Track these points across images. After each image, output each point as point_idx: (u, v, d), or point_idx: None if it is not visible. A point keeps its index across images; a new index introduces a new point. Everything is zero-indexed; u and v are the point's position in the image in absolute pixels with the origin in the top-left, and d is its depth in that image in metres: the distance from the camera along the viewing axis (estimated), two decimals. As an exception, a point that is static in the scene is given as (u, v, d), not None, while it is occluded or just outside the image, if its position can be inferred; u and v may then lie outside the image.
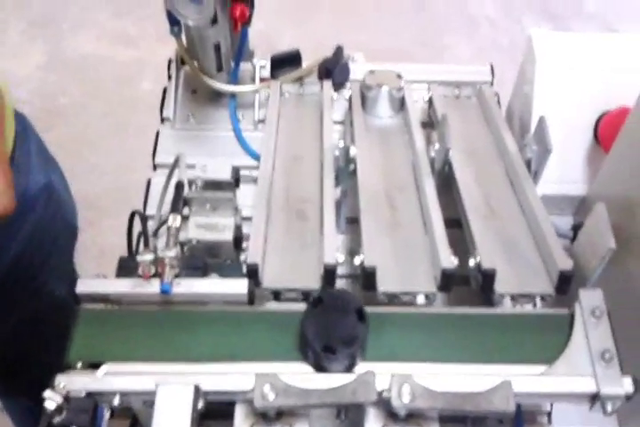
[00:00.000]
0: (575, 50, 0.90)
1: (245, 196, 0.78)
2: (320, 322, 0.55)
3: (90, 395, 0.54)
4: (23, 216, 0.81)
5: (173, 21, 0.83)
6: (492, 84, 0.95)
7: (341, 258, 0.63)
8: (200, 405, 0.53)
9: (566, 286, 0.61)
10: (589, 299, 0.57)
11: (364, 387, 0.52)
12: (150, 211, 0.82)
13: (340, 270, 0.65)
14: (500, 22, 2.43)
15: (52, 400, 0.52)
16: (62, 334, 0.58)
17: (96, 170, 1.95)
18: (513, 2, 2.49)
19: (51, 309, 0.77)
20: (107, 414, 0.64)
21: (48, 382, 0.54)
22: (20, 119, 0.82)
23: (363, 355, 0.55)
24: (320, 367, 0.54)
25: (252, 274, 0.62)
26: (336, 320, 0.55)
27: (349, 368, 0.55)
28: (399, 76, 0.87)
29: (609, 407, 0.53)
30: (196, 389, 0.53)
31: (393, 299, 0.62)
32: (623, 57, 0.89)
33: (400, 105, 0.86)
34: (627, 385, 0.53)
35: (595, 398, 0.53)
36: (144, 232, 0.68)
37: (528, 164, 0.74)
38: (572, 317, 0.57)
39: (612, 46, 0.91)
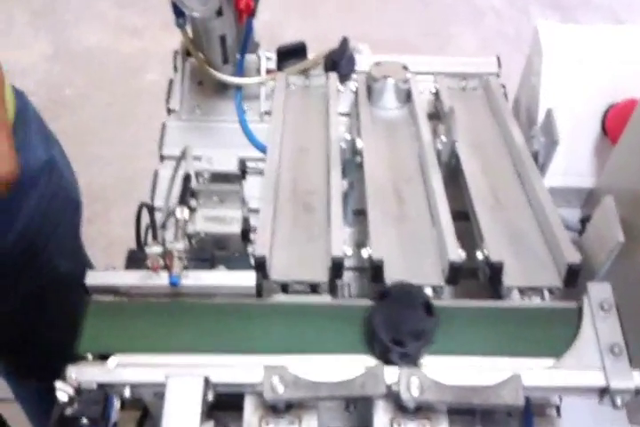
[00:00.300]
0: (582, 42, 0.90)
1: (252, 187, 0.79)
2: (388, 315, 0.55)
3: (101, 386, 0.54)
4: (25, 192, 0.81)
5: (178, 13, 0.82)
6: (498, 75, 0.94)
7: (349, 251, 0.63)
8: (210, 396, 0.53)
9: (574, 279, 0.61)
10: (598, 292, 0.57)
11: (372, 380, 0.52)
12: (158, 203, 0.82)
13: (348, 263, 0.65)
14: (505, 12, 2.41)
15: (63, 392, 0.53)
16: (67, 310, 0.58)
17: (101, 160, 1.95)
18: (519, -8, 2.48)
19: (55, 285, 0.78)
20: (117, 406, 0.64)
21: (56, 362, 0.54)
22: (20, 96, 0.82)
23: (428, 349, 0.55)
24: (387, 360, 0.54)
25: (260, 266, 0.62)
26: (404, 314, 0.55)
27: (416, 362, 0.55)
28: (405, 68, 0.86)
29: (618, 401, 0.53)
30: (206, 381, 0.53)
31: (401, 291, 0.62)
32: (630, 49, 0.89)
33: (406, 97, 0.86)
34: (636, 379, 0.52)
35: (604, 392, 0.53)
36: (152, 225, 0.68)
37: (535, 156, 0.74)
38: (580, 310, 0.57)
39: (618, 38, 0.91)
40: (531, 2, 2.44)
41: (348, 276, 0.72)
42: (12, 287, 0.87)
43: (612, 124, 0.84)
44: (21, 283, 0.87)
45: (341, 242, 0.63)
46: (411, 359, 0.54)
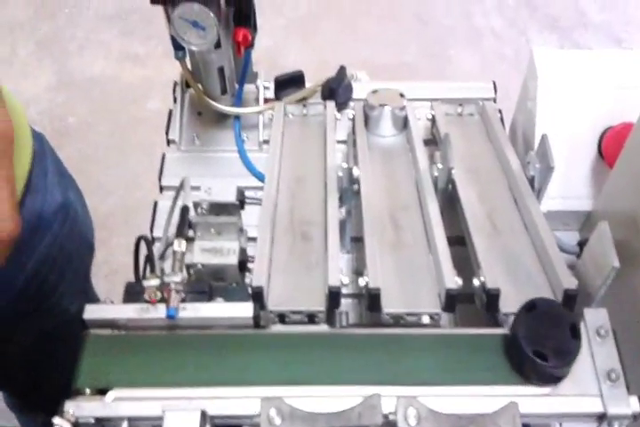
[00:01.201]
0: (577, 67, 0.90)
1: (251, 215, 0.79)
2: (532, 327, 0.55)
3: (98, 421, 0.54)
4: (40, 236, 0.81)
5: (177, 46, 0.84)
6: (494, 100, 0.95)
7: (346, 280, 0.64)
8: (207, 430, 0.53)
9: (571, 304, 0.61)
10: (594, 318, 0.57)
11: (369, 410, 0.52)
12: (157, 233, 0.83)
13: (345, 290, 0.65)
14: (504, 34, 2.44)
15: (61, 427, 0.53)
16: (75, 350, 0.58)
17: (104, 189, 1.97)
18: (517, 13, 2.50)
19: (64, 326, 0.77)
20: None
21: (64, 398, 0.54)
22: (38, 138, 0.83)
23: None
24: (526, 374, 0.55)
25: (257, 297, 0.62)
26: (549, 329, 0.55)
27: (555, 381, 0.55)
28: (402, 95, 0.87)
29: (616, 427, 0.52)
30: (203, 414, 0.53)
31: (398, 320, 0.63)
32: (624, 73, 0.90)
33: (403, 124, 0.87)
34: (634, 405, 0.52)
35: (602, 418, 0.53)
36: (150, 257, 0.69)
37: (531, 181, 0.75)
38: (577, 336, 0.57)
39: (613, 63, 0.92)
40: (529, 23, 2.46)
41: (345, 303, 0.72)
42: (22, 328, 0.87)
43: (609, 148, 0.85)
44: (31, 324, 0.87)
45: (338, 271, 0.64)
46: (550, 378, 0.54)
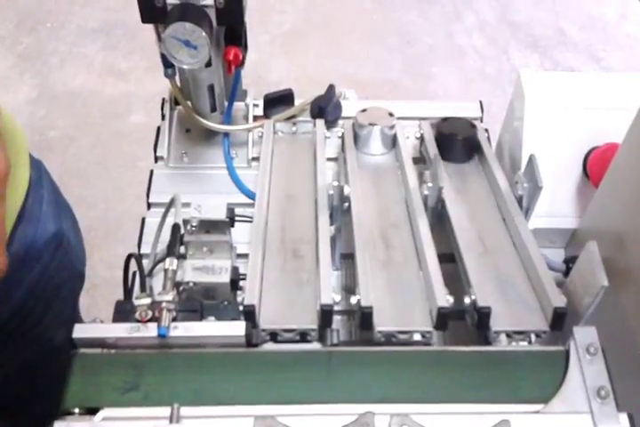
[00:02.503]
0: (563, 88, 0.92)
1: (240, 233, 0.79)
2: None
3: (87, 442, 0.54)
4: (29, 266, 0.79)
5: (167, 64, 0.84)
6: (481, 120, 0.97)
7: (337, 298, 0.64)
8: (200, 451, 0.53)
9: (560, 322, 0.62)
10: (584, 336, 0.58)
11: (363, 430, 0.52)
12: (145, 250, 0.83)
13: (336, 306, 0.65)
14: (486, 52, 2.48)
15: (50, 449, 0.52)
16: (59, 381, 0.57)
17: (85, 202, 1.95)
18: (499, 32, 2.55)
19: (49, 356, 0.76)
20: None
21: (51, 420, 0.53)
22: (36, 165, 0.81)
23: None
24: None
25: (249, 316, 0.62)
26: None
27: None
28: (391, 115, 0.88)
29: (607, 445, 0.53)
30: (195, 434, 0.53)
31: (390, 338, 0.63)
32: (609, 95, 0.92)
33: (392, 142, 0.88)
34: (623, 421, 0.53)
35: (592, 436, 0.53)
36: (140, 275, 0.69)
37: (519, 201, 0.76)
38: (567, 354, 0.57)
39: (598, 85, 0.94)
40: (510, 43, 2.50)
41: (336, 319, 0.72)
42: (6, 357, 0.85)
43: (594, 168, 0.86)
44: (16, 353, 0.85)
45: (330, 289, 0.64)
46: None
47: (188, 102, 0.92)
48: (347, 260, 0.82)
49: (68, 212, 0.90)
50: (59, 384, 0.57)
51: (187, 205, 0.86)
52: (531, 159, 0.75)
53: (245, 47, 0.86)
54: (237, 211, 0.83)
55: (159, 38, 0.78)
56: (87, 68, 2.41)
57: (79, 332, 0.60)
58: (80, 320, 1.00)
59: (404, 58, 2.43)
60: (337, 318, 0.76)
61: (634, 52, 2.42)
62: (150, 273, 0.79)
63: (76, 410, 0.56)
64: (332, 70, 2.25)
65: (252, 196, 0.88)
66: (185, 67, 0.78)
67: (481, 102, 0.99)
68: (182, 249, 0.70)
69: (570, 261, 0.79)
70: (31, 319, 0.84)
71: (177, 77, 0.89)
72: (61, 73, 2.40)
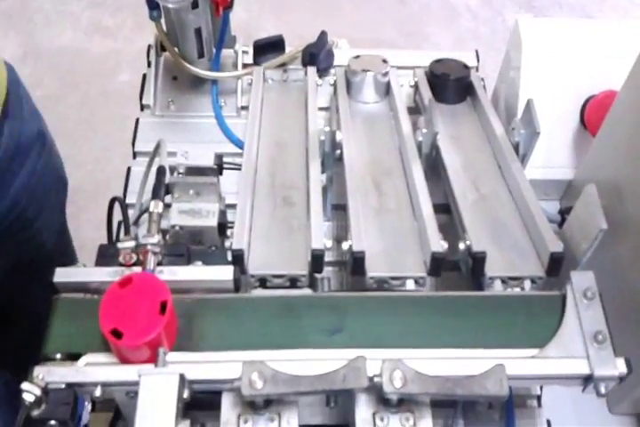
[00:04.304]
0: (561, 36, 0.90)
1: (229, 183, 0.77)
2: None
3: (70, 386, 0.52)
4: (19, 163, 0.80)
5: (153, 5, 0.80)
6: (477, 69, 0.94)
7: (329, 243, 0.62)
8: (186, 394, 0.51)
9: (557, 268, 0.61)
10: (581, 281, 0.56)
11: (354, 373, 0.50)
12: (130, 200, 0.80)
13: (327, 256, 0.64)
14: (480, 12, 2.43)
15: (29, 393, 0.50)
16: (49, 289, 0.57)
17: (72, 162, 1.90)
18: (494, -7, 2.49)
19: (40, 261, 0.76)
20: (88, 407, 0.62)
21: (31, 356, 0.52)
22: (10, 67, 0.81)
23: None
24: None
25: (238, 260, 0.60)
26: None
27: None
28: (384, 61, 0.85)
29: (602, 389, 0.52)
30: (182, 378, 0.51)
31: (382, 284, 0.61)
32: (607, 43, 0.89)
33: (386, 90, 0.85)
34: (620, 366, 0.52)
35: (588, 380, 0.52)
36: (124, 219, 0.66)
37: (516, 147, 0.74)
38: (563, 299, 0.56)
39: (596, 32, 0.91)
40: (505, 3, 2.45)
41: (327, 270, 0.70)
42: (2, 253, 0.85)
43: (591, 117, 0.84)
44: (6, 256, 0.85)
45: (321, 235, 0.62)
46: None
47: (175, 48, 0.88)
48: (338, 211, 0.80)
49: (40, 115, 0.90)
50: (47, 297, 0.56)
51: (173, 154, 0.84)
52: (528, 104, 0.72)
53: (234, -12, 0.82)
54: (226, 160, 0.81)
55: (143, -25, 0.74)
56: (73, 26, 2.34)
57: (60, 276, 0.58)
58: (69, 235, 1.04)
59: (397, 18, 2.38)
60: (328, 269, 0.75)
61: (628, 13, 2.38)
62: (136, 222, 0.77)
63: (58, 356, 0.54)
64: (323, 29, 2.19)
65: (240, 145, 0.85)
66: (170, 6, 0.75)
67: (477, 51, 0.96)
68: (168, 198, 0.67)
69: (565, 212, 0.77)
70: (23, 220, 0.84)
71: (163, 22, 0.86)
72: (47, 31, 2.33)
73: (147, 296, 0.52)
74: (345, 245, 0.62)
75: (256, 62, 0.91)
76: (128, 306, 0.52)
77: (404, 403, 0.51)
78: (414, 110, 0.86)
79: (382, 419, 0.51)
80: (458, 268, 0.66)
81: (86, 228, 1.79)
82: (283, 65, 0.91)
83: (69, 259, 1.06)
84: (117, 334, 0.50)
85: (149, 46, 0.93)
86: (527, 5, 2.44)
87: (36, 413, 0.50)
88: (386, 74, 0.84)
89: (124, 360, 0.53)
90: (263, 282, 0.61)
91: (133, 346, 0.51)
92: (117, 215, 0.74)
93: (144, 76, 0.92)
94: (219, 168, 0.74)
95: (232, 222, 0.66)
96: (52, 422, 0.50)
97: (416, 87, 0.86)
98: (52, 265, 0.58)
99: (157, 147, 0.74)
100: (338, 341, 0.55)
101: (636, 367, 0.53)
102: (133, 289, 0.52)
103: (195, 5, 0.80)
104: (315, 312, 0.57)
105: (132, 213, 0.78)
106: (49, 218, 0.90)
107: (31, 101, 0.87)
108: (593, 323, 0.54)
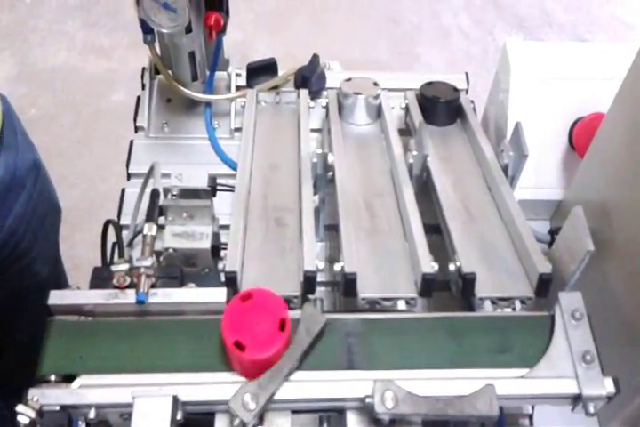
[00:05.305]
0: (548, 59, 0.91)
1: (223, 204, 0.78)
2: None
3: (64, 409, 0.52)
4: (15, 194, 0.81)
5: (147, 29, 0.82)
6: (467, 91, 0.95)
7: (321, 265, 0.63)
8: (179, 416, 0.51)
9: (546, 289, 0.61)
10: (569, 301, 0.57)
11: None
12: (125, 221, 0.81)
13: (320, 277, 0.64)
14: (471, 32, 2.46)
15: (24, 415, 0.51)
16: (42, 319, 0.57)
17: (66, 182, 1.92)
18: (485, 13, 2.53)
19: (34, 291, 0.75)
20: (82, 429, 0.62)
21: (23, 380, 0.52)
22: (4, 100, 0.82)
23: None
24: None
25: (231, 282, 0.61)
26: None
27: None
28: (376, 84, 0.87)
29: (591, 408, 0.53)
30: (175, 399, 0.52)
31: (374, 305, 0.62)
32: (595, 65, 0.91)
33: (377, 112, 0.86)
34: (608, 386, 0.53)
35: (577, 400, 0.53)
36: (118, 241, 0.67)
37: (505, 169, 0.75)
38: (552, 319, 0.57)
39: (583, 55, 0.93)
40: (496, 23, 2.49)
41: (319, 290, 0.71)
42: None
43: (579, 138, 0.86)
44: (4, 284, 0.85)
45: (314, 256, 0.63)
46: None
47: (169, 71, 0.90)
48: (330, 231, 0.81)
49: (34, 145, 0.91)
50: (39, 323, 0.57)
51: (167, 176, 0.85)
52: (517, 127, 0.74)
53: (227, 13, 0.84)
54: (219, 181, 0.82)
55: (137, 1, 0.75)
56: (68, 46, 2.36)
57: (55, 298, 0.59)
58: (62, 263, 1.04)
59: (389, 37, 2.41)
60: (320, 290, 0.75)
61: (617, 33, 2.42)
62: (130, 244, 0.78)
63: (52, 377, 0.55)
64: (316, 49, 2.22)
65: (234, 166, 0.86)
66: (164, 31, 0.76)
67: (467, 74, 0.98)
68: (162, 219, 0.68)
69: (555, 232, 0.78)
70: (19, 250, 0.84)
71: (157, 45, 0.87)
72: (42, 50, 2.35)
73: (267, 312, 0.53)
74: (337, 267, 0.63)
75: (249, 85, 0.93)
76: (249, 320, 0.53)
77: (396, 423, 0.52)
78: (405, 132, 0.87)
79: (374, 440, 0.51)
80: (448, 288, 0.66)
81: (80, 247, 1.79)
82: (275, 87, 0.92)
83: (62, 288, 1.05)
84: (240, 346, 0.51)
85: (143, 69, 0.95)
86: (518, 25, 2.48)
87: (30, 435, 0.50)
88: (377, 96, 0.85)
89: (246, 374, 0.54)
90: (256, 303, 0.62)
91: (255, 359, 0.52)
92: (111, 237, 0.75)
93: (138, 99, 0.94)
94: (212, 190, 0.75)
95: (225, 244, 0.67)
96: (46, 444, 0.51)
97: (407, 109, 0.87)
98: (44, 295, 0.58)
99: (151, 169, 0.74)
100: (328, 362, 0.55)
101: (624, 387, 0.53)
102: (254, 304, 0.53)
103: (188, 30, 0.81)
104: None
105: (126, 234, 0.78)
106: (43, 247, 0.90)
107: (24, 132, 0.88)
108: (581, 343, 0.55)
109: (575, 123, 0.87)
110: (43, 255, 0.90)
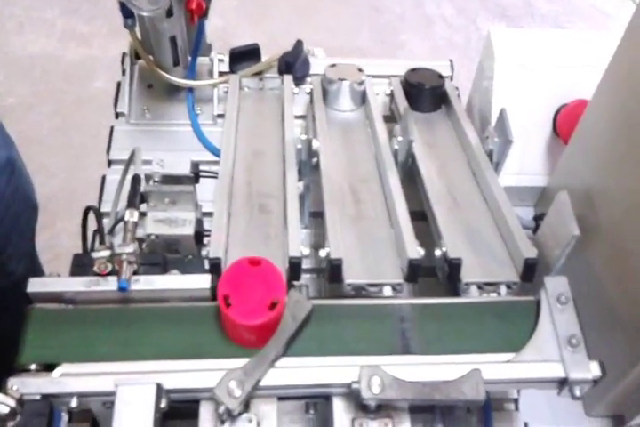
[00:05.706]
0: (532, 46, 0.91)
1: (206, 191, 0.77)
2: None
3: (45, 398, 0.51)
4: None
5: (127, 13, 0.80)
6: (451, 78, 0.95)
7: (306, 251, 0.62)
8: (163, 404, 0.51)
9: (531, 273, 0.61)
10: (555, 286, 0.57)
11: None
12: (105, 209, 0.80)
13: (305, 264, 0.64)
14: (454, 21, 2.46)
15: (4, 404, 0.50)
16: (19, 318, 0.55)
17: (46, 171, 1.89)
18: (468, 2, 2.52)
19: (9, 290, 0.74)
20: (65, 418, 0.61)
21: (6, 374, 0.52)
22: None
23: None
24: None
25: (215, 269, 0.60)
26: None
27: None
28: (360, 70, 0.86)
29: (577, 392, 0.53)
30: (159, 387, 0.51)
31: (359, 291, 0.61)
32: (578, 53, 0.91)
33: (362, 98, 0.85)
34: (594, 369, 0.53)
35: (563, 384, 0.53)
36: (99, 228, 0.66)
37: (490, 155, 0.75)
38: (538, 304, 0.57)
39: (566, 43, 0.93)
40: (479, 13, 2.49)
41: (305, 277, 0.70)
42: None
43: (563, 125, 0.86)
44: None
45: (298, 242, 0.62)
46: None
47: (150, 56, 0.88)
48: (316, 218, 0.80)
49: (13, 142, 0.88)
50: (17, 324, 0.55)
51: (149, 162, 0.84)
52: (501, 113, 0.74)
53: (209, -4, 0.82)
54: (202, 168, 0.81)
55: (117, -16, 0.74)
56: (47, 33, 2.32)
57: (35, 286, 0.57)
58: (38, 260, 1.01)
59: (372, 26, 2.40)
60: (306, 276, 0.75)
61: (597, 23, 2.44)
62: (112, 231, 0.77)
63: (33, 366, 0.54)
64: (299, 37, 2.21)
65: (217, 153, 0.85)
66: (145, 14, 0.75)
67: (451, 61, 0.97)
68: (144, 206, 0.67)
69: (539, 218, 0.78)
70: None
71: (137, 30, 0.85)
72: (20, 38, 2.31)
73: (265, 285, 0.53)
74: (322, 253, 0.62)
75: (232, 70, 0.92)
76: (246, 283, 0.52)
77: (383, 409, 0.52)
78: (390, 119, 0.86)
79: (361, 425, 0.51)
80: (434, 274, 0.66)
81: (62, 236, 1.77)
82: (259, 73, 0.91)
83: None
84: (227, 302, 0.51)
85: (124, 54, 0.93)
86: (500, 15, 2.48)
87: (10, 425, 0.49)
88: (362, 83, 0.85)
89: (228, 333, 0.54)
90: (241, 290, 0.61)
91: (236, 322, 0.51)
92: (92, 224, 0.74)
93: (118, 84, 0.92)
94: (195, 176, 0.73)
95: (209, 231, 0.66)
96: (27, 434, 0.50)
97: (392, 96, 0.87)
98: (20, 293, 0.57)
99: (132, 155, 0.73)
100: (315, 348, 0.55)
101: (609, 370, 0.54)
102: (258, 272, 0.53)
103: (169, 14, 0.80)
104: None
105: (107, 221, 0.77)
106: (18, 245, 0.88)
107: (1, 126, 0.85)
108: (567, 327, 0.55)
109: (559, 109, 0.87)
110: (17, 254, 0.87)
